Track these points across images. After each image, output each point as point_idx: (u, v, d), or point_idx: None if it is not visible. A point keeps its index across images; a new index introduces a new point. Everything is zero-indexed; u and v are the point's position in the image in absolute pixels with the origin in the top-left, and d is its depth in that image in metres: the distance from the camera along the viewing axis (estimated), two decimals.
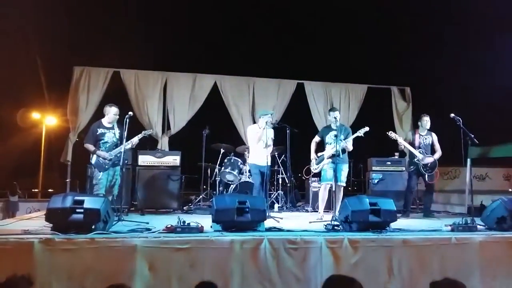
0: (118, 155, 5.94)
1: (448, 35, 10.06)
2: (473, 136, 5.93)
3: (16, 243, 3.78)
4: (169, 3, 10.04)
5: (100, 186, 5.97)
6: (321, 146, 6.54)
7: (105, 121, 6.20)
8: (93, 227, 4.09)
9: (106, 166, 5.99)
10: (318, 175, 6.85)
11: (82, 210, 4.10)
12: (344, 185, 6.36)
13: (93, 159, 6.04)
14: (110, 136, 6.13)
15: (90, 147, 6.07)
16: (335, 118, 6.28)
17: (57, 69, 10.06)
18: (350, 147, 6.30)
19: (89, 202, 4.19)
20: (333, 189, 6.17)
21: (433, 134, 7.03)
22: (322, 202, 6.33)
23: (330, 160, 6.19)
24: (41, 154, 12.99)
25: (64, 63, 9.27)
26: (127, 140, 5.91)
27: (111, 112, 6.19)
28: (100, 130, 6.11)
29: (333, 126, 6.37)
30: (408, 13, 9.73)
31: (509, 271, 4.51)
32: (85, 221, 4.08)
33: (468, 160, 7.11)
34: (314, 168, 6.44)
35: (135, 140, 6.18)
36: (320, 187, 6.74)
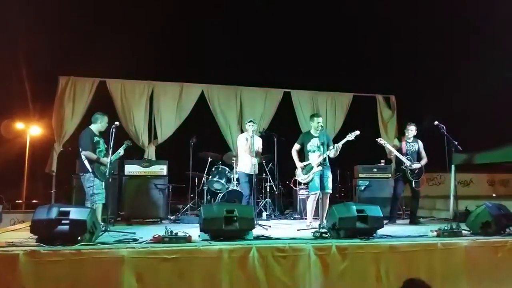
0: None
1: (431, 44, 10.28)
2: (456, 143, 6.04)
3: (0, 255, 3.72)
4: (155, 12, 10.05)
5: (102, 196, 5.76)
6: (300, 154, 6.46)
7: (95, 129, 5.98)
8: (79, 238, 4.06)
9: (108, 175, 5.76)
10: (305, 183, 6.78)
11: (68, 221, 4.06)
12: (331, 192, 6.36)
13: (95, 168, 5.74)
14: (102, 145, 5.96)
15: (92, 155, 5.75)
16: (318, 123, 6.29)
17: (42, 78, 9.96)
18: (337, 152, 6.23)
19: (75, 213, 4.15)
20: (320, 196, 6.18)
21: (419, 142, 7.16)
22: (311, 211, 6.30)
23: (318, 168, 6.15)
24: (25, 165, 12.78)
25: (49, 72, 9.17)
26: (112, 153, 5.78)
27: (104, 121, 6.02)
28: (95, 138, 5.90)
29: (314, 133, 6.38)
30: (393, 21, 9.92)
31: (495, 275, 4.59)
32: (71, 232, 4.04)
33: (453, 166, 7.21)
34: (302, 178, 6.34)
35: (121, 152, 6.09)
36: (307, 194, 6.77)
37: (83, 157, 5.78)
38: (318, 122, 6.31)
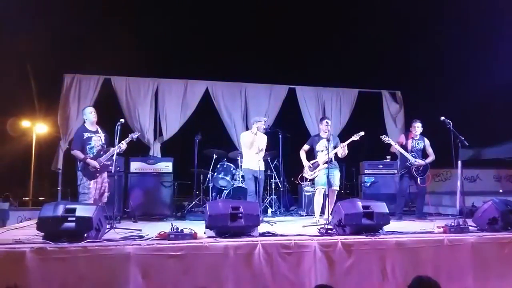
0: (106, 161, 5.74)
1: (437, 39, 10.20)
2: (463, 138, 6.00)
3: (8, 252, 3.74)
4: (159, 9, 10.05)
5: (89, 196, 5.62)
6: (309, 155, 6.69)
7: (87, 124, 5.91)
8: (85, 235, 4.07)
9: (97, 174, 5.71)
10: (311, 179, 6.91)
11: (74, 219, 4.07)
12: (338, 189, 6.55)
13: (82, 167, 5.67)
14: (97, 140, 5.81)
15: (79, 154, 5.67)
16: (327, 125, 6.50)
17: (47, 76, 9.99)
18: (345, 152, 6.41)
19: (81, 210, 4.15)
20: (326, 193, 6.30)
21: (425, 139, 7.13)
22: (317, 206, 6.46)
23: (324, 166, 6.37)
24: (32, 162, 12.86)
25: (54, 70, 9.20)
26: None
27: (88, 112, 5.92)
28: (86, 134, 5.79)
29: (322, 135, 6.59)
30: (398, 16, 9.84)
31: (502, 271, 4.56)
32: (77, 229, 4.05)
33: (459, 162, 7.16)
34: (309, 174, 6.58)
35: (124, 145, 5.87)
36: (313, 191, 6.83)
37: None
38: (327, 123, 6.53)
